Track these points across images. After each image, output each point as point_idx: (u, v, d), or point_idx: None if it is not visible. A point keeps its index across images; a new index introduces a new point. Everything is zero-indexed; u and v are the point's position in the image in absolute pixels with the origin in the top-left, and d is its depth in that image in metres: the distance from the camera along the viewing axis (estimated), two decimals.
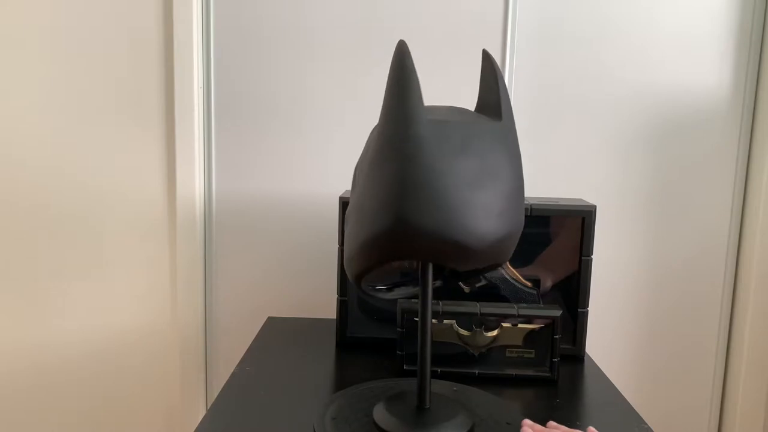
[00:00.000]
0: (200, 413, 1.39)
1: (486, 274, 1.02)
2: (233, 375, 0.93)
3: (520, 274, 1.03)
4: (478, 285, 1.03)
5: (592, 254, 1.01)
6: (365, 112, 1.31)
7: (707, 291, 1.36)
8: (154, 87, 1.31)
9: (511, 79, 1.29)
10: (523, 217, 0.70)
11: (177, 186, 1.31)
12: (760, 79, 1.29)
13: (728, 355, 1.38)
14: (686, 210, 1.34)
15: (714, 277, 1.36)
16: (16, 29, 1.30)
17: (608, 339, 1.38)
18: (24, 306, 1.38)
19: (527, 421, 0.73)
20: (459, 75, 1.29)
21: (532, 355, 0.95)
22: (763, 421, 1.34)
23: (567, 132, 1.31)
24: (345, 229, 0.73)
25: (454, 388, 0.87)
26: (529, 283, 1.03)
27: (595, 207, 1.01)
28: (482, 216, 0.63)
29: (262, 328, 1.17)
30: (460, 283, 1.03)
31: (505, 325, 0.95)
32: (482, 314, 0.94)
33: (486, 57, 0.71)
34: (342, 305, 1.06)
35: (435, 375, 0.94)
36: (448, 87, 1.29)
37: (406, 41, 1.28)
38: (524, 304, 0.97)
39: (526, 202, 1.01)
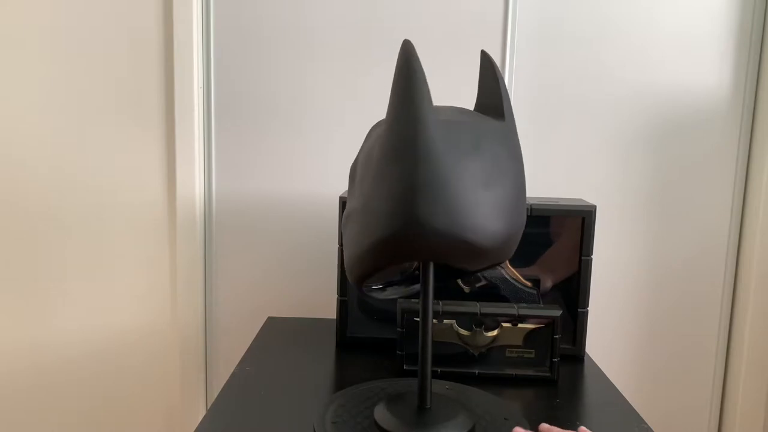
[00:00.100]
0: (200, 413, 1.39)
1: (486, 275, 1.02)
2: (233, 375, 0.93)
3: (520, 274, 1.03)
4: (478, 285, 1.03)
5: (592, 254, 1.01)
6: (365, 112, 1.31)
7: (707, 291, 1.36)
8: (154, 87, 1.31)
9: (511, 79, 1.29)
10: (525, 216, 0.70)
11: (177, 186, 1.31)
12: (760, 79, 1.29)
13: (728, 355, 1.38)
14: (686, 210, 1.34)
15: (714, 277, 1.36)
16: (16, 29, 1.30)
17: (608, 339, 1.38)
18: (24, 306, 1.38)
19: (518, 429, 0.72)
20: (459, 75, 1.29)
21: (532, 355, 0.95)
22: (763, 421, 1.34)
23: (567, 132, 1.31)
24: (343, 232, 0.73)
25: (447, 387, 0.87)
26: (529, 283, 1.03)
27: (595, 207, 1.01)
28: (492, 215, 0.63)
29: (262, 328, 1.17)
30: (461, 283, 1.03)
31: (505, 325, 0.95)
32: (482, 314, 0.94)
33: (485, 57, 0.71)
34: (342, 305, 1.06)
35: (435, 375, 0.94)
36: (448, 87, 1.29)
37: None
38: (524, 304, 0.97)
39: (526, 202, 1.01)
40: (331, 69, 1.30)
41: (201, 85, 1.30)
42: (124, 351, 1.40)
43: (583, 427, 0.70)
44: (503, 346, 0.96)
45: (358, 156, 0.74)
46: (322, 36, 1.29)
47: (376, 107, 1.31)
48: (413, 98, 0.61)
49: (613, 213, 1.34)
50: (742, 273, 1.35)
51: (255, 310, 1.38)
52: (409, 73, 0.62)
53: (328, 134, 1.32)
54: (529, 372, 0.94)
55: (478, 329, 0.95)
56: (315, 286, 1.36)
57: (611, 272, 1.36)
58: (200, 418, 1.39)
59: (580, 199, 1.10)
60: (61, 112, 1.32)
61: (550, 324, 0.94)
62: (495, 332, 0.95)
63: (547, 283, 1.04)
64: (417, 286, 0.87)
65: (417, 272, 0.90)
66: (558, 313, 0.93)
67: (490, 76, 0.70)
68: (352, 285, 1.06)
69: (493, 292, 1.02)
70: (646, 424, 0.80)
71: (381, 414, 0.75)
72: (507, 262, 1.03)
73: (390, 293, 0.87)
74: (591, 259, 1.01)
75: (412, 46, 0.62)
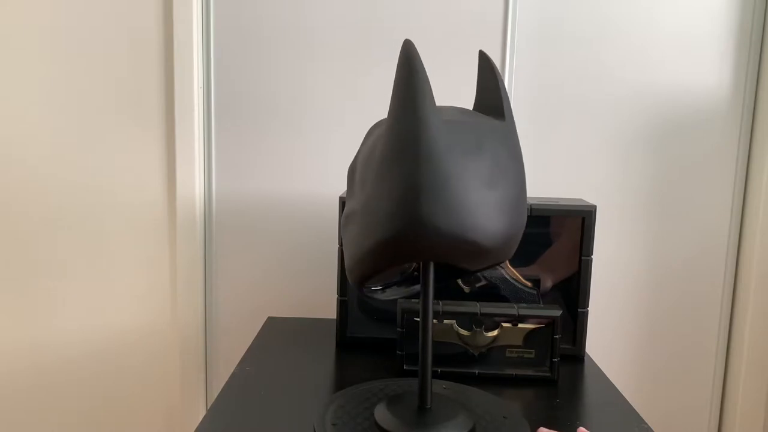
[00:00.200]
0: (200, 413, 1.39)
1: (486, 275, 1.02)
2: (233, 375, 0.93)
3: (520, 274, 1.03)
4: (478, 285, 1.03)
5: (592, 254, 1.01)
6: (365, 112, 1.31)
7: (707, 291, 1.36)
8: (154, 87, 1.31)
9: (511, 79, 1.29)
10: (525, 216, 0.70)
11: (177, 186, 1.31)
12: (760, 79, 1.29)
13: (728, 355, 1.38)
14: (686, 210, 1.34)
15: (714, 277, 1.36)
16: (16, 29, 1.30)
17: (608, 339, 1.38)
18: (24, 306, 1.38)
19: (543, 430, 0.73)
20: (459, 75, 1.29)
21: (532, 355, 0.95)
22: (763, 421, 1.34)
23: (567, 132, 1.31)
24: (343, 234, 0.72)
25: (444, 386, 0.87)
26: (529, 283, 1.03)
27: (595, 207, 1.01)
28: (494, 215, 0.63)
29: (262, 328, 1.17)
30: (461, 283, 1.03)
31: (505, 325, 0.95)
32: (482, 314, 0.94)
33: (483, 58, 0.70)
34: (342, 305, 1.06)
35: (435, 375, 0.94)
36: (448, 87, 1.29)
37: None
38: (524, 304, 0.97)
39: (526, 202, 1.01)
40: (331, 69, 1.30)
41: (201, 85, 1.30)
42: (124, 351, 1.40)
43: (582, 428, 0.70)
44: (503, 346, 0.96)
45: (356, 157, 0.74)
46: (322, 36, 1.29)
47: (376, 107, 1.31)
48: (415, 98, 0.61)
49: (613, 213, 1.34)
50: (742, 273, 1.35)
51: (255, 310, 1.38)
52: (410, 73, 0.61)
53: (328, 134, 1.32)
54: (529, 372, 0.94)
55: (478, 329, 0.95)
56: (315, 286, 1.36)
57: (611, 272, 1.36)
58: (200, 418, 1.39)
59: (580, 199, 1.10)
60: (61, 112, 1.32)
61: (550, 324, 0.94)
62: (495, 332, 0.95)
63: (547, 283, 1.04)
64: (417, 287, 0.87)
65: (417, 273, 0.90)
66: (558, 313, 0.93)
67: (489, 77, 0.70)
68: (352, 285, 1.06)
69: (493, 292, 1.02)
70: (646, 424, 0.80)
71: (381, 414, 0.75)
72: (507, 262, 1.03)
73: (390, 294, 0.87)
74: (591, 259, 1.01)
75: (414, 45, 0.62)
